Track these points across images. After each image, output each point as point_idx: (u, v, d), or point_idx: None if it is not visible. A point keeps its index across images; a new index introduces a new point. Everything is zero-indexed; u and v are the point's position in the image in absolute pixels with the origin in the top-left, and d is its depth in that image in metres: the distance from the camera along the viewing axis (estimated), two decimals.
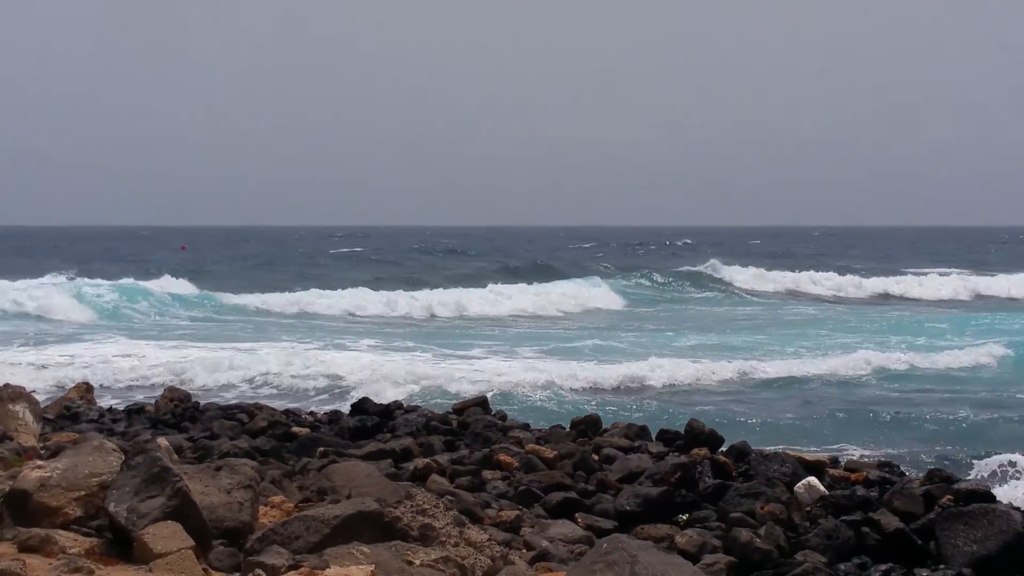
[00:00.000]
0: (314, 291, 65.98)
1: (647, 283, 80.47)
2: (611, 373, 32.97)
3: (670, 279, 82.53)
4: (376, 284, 74.05)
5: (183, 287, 66.01)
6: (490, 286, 68.93)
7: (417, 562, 10.08)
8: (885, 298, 78.78)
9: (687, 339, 45.16)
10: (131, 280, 65.73)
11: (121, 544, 10.49)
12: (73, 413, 23.94)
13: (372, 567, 8.54)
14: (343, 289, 67.19)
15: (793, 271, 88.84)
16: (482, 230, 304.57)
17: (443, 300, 63.67)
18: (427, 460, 18.82)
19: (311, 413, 24.86)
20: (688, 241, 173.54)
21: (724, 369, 34.25)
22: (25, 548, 10.19)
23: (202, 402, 25.63)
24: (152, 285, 64.30)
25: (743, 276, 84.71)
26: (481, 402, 24.65)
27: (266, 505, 12.89)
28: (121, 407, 25.90)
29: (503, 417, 23.89)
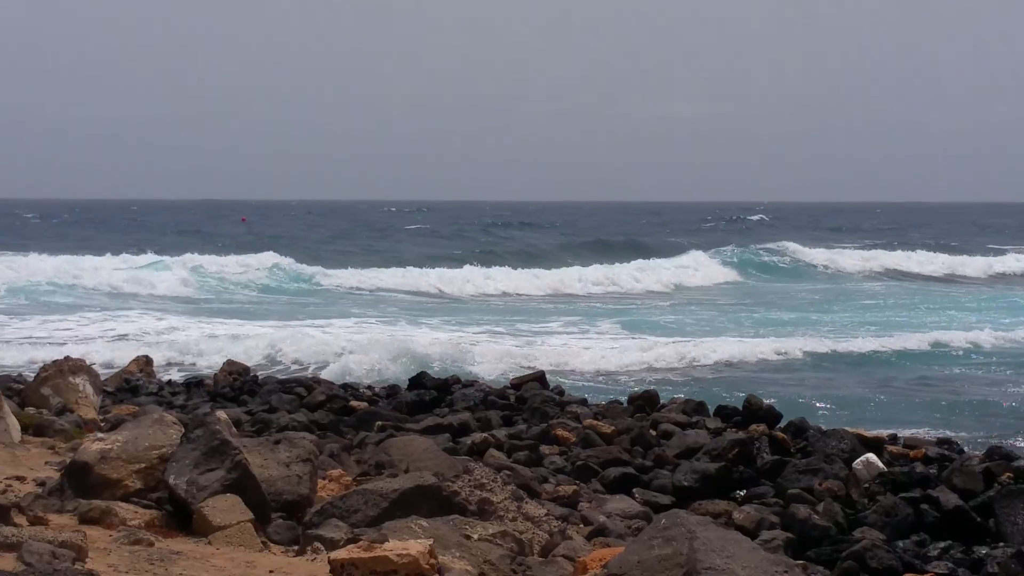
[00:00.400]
0: (422, 270, 64.88)
1: (757, 260, 78.71)
2: (670, 352, 32.89)
3: (773, 257, 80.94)
4: (482, 259, 74.00)
5: (288, 264, 65.89)
6: (594, 265, 67.89)
7: (475, 536, 10.11)
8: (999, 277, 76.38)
9: (781, 315, 45.50)
10: (234, 256, 65.97)
11: (180, 517, 10.57)
12: (133, 386, 24.08)
13: (430, 541, 8.55)
14: (451, 268, 66.10)
15: (887, 249, 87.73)
16: (541, 205, 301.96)
17: (565, 278, 63.14)
18: (484, 435, 18.85)
19: (369, 387, 24.92)
20: (764, 217, 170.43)
21: (788, 346, 34.11)
22: (86, 520, 10.28)
23: (260, 375, 25.75)
24: (254, 260, 64.49)
25: (826, 254, 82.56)
26: (539, 376, 24.64)
27: (324, 479, 12.94)
28: (180, 380, 26.06)
29: (561, 392, 23.89)
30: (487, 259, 76.45)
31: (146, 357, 26.87)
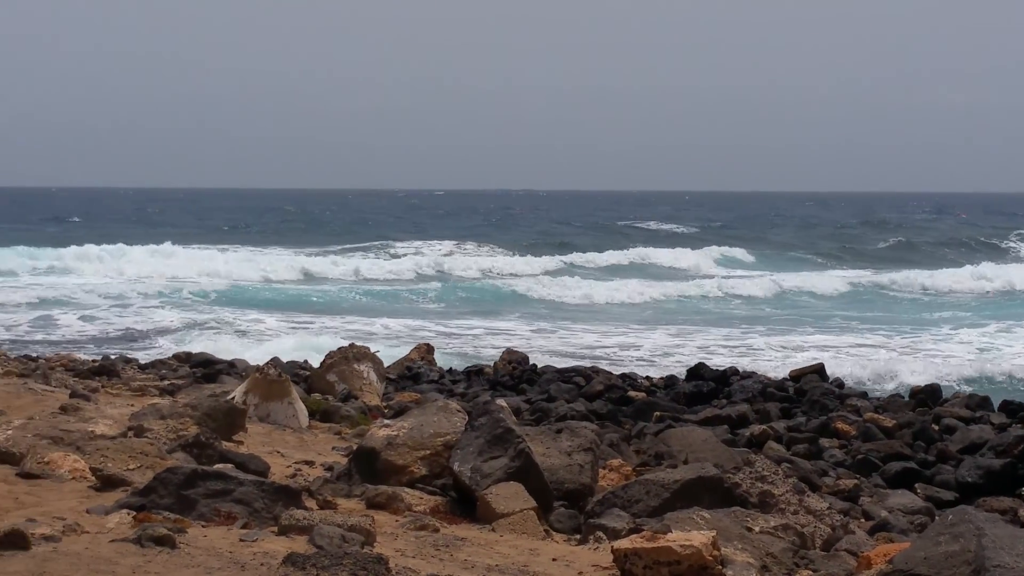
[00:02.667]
0: None
1: None
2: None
3: None
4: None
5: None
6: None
7: (756, 529, 10.05)
8: None
9: None
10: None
11: (464, 503, 10.73)
12: (414, 373, 24.48)
13: (713, 532, 8.52)
14: None
15: None
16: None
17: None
18: (763, 427, 18.75)
19: (647, 378, 24.93)
20: (963, 215, 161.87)
21: None
22: (373, 505, 10.51)
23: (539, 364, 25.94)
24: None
25: None
26: (818, 369, 24.36)
27: (605, 468, 12.99)
28: (461, 369, 26.38)
29: (840, 384, 23.60)
30: None
31: (427, 345, 27.23)
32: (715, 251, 77.84)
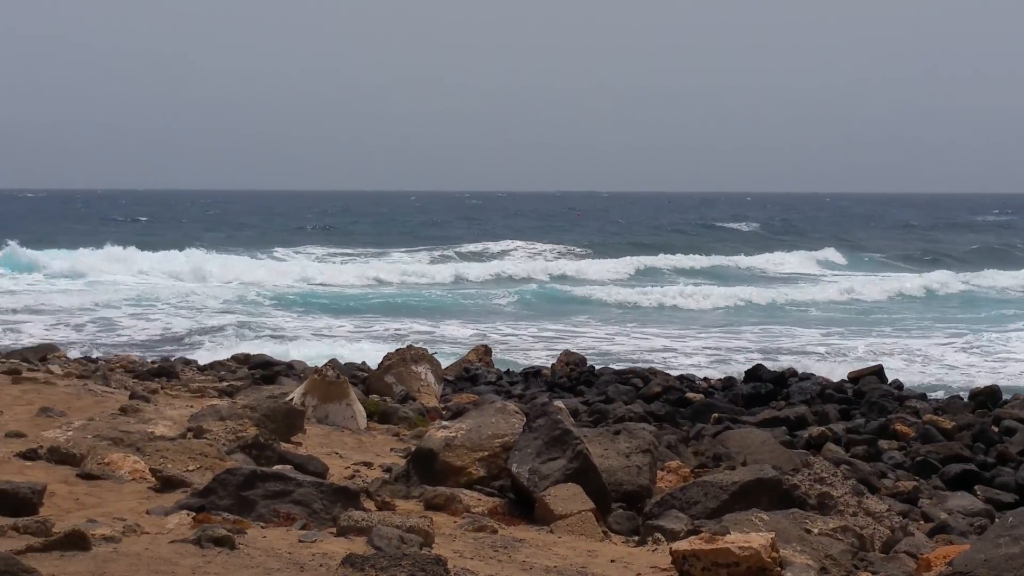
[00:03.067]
0: None
1: None
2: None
3: None
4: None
5: None
6: None
7: (815, 530, 10.01)
8: None
9: None
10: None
11: (522, 505, 10.74)
12: (472, 375, 24.50)
13: (772, 534, 8.49)
14: None
15: None
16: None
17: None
18: (822, 428, 18.68)
19: (705, 379, 24.87)
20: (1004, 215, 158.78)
21: None
22: (431, 506, 10.53)
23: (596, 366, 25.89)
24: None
25: None
26: (877, 370, 24.23)
27: (663, 470, 12.97)
28: (518, 371, 26.35)
29: (899, 386, 23.45)
30: None
31: (485, 347, 27.25)
32: (810, 255, 76.39)
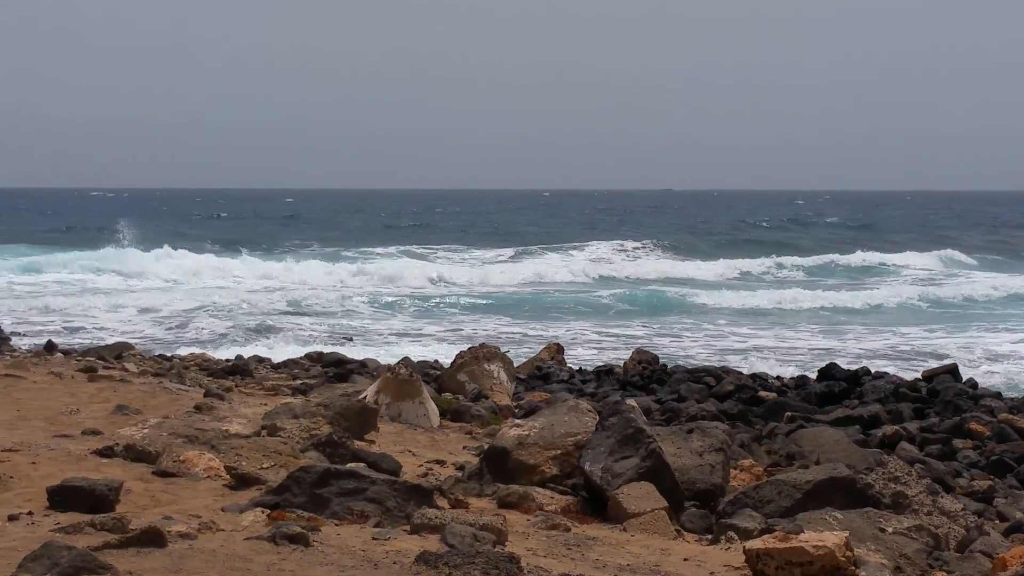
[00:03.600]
0: None
1: None
2: None
3: None
4: None
5: None
6: None
7: (890, 530, 9.96)
8: None
9: None
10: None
11: (595, 503, 10.74)
12: (544, 373, 24.49)
13: (846, 533, 8.45)
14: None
15: None
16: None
17: None
18: (896, 427, 18.55)
19: (778, 378, 24.75)
20: None
21: None
22: (504, 504, 10.55)
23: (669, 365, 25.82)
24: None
25: None
26: (951, 369, 24.04)
27: (736, 468, 12.93)
28: (590, 369, 26.31)
29: (974, 385, 23.26)
30: None
31: (557, 345, 27.22)
32: (938, 254, 73.97)
